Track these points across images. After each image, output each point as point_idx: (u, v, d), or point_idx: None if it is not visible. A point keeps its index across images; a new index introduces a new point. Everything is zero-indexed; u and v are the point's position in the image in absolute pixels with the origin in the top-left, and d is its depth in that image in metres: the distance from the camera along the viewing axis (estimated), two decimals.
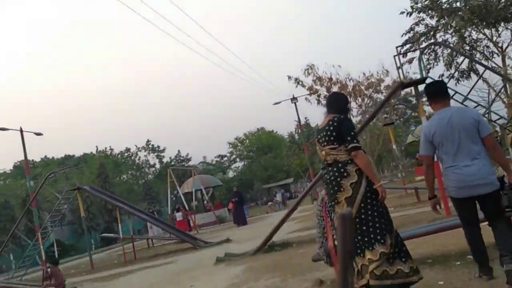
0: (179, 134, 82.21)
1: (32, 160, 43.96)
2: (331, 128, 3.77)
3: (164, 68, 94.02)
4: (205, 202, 29.05)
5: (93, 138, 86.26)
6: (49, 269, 9.85)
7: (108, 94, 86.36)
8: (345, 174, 3.67)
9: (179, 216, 23.37)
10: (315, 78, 24.71)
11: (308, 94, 25.79)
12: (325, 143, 3.79)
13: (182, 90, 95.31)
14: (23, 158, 26.26)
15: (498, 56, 22.02)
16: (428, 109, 10.91)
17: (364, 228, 3.61)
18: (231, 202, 22.41)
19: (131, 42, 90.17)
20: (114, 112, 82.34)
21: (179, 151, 51.53)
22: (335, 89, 25.05)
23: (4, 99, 72.99)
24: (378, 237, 3.57)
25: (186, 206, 24.67)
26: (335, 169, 3.72)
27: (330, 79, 24.50)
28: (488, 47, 21.42)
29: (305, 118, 42.66)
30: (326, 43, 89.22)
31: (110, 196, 15.62)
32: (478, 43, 21.32)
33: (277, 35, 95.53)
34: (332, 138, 3.74)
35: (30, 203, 17.38)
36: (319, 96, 25.57)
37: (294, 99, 27.73)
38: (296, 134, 44.76)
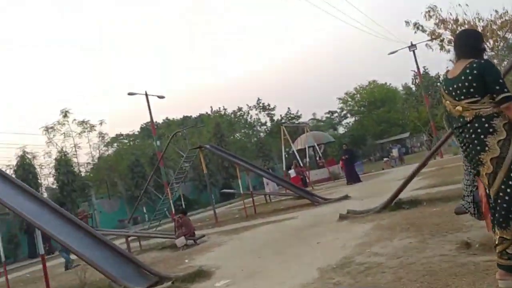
0: (288, 92, 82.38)
1: (156, 122, 47.76)
2: (470, 76, 3.11)
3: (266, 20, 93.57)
4: (317, 158, 28.87)
5: (208, 99, 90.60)
6: (180, 219, 10.62)
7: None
8: (491, 129, 3.05)
9: (292, 173, 23.56)
10: (437, 21, 22.31)
11: (429, 40, 23.50)
12: (462, 96, 3.15)
13: (288, 44, 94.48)
14: (149, 120, 28.69)
15: None
16: None
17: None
18: (341, 160, 21.75)
19: None
20: (227, 74, 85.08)
21: (289, 108, 51.62)
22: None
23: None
24: None
25: (301, 163, 24.71)
26: (476, 124, 3.10)
27: (456, 20, 21.91)
28: None
29: (424, 67, 39.46)
30: None
31: (229, 153, 16.17)
32: None
33: None
34: (472, 90, 3.10)
35: (159, 162, 18.81)
36: (442, 40, 23.16)
37: (412, 46, 25.57)
38: (413, 85, 41.68)
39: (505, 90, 3.03)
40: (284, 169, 23.73)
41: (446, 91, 3.35)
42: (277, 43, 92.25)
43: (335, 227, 7.92)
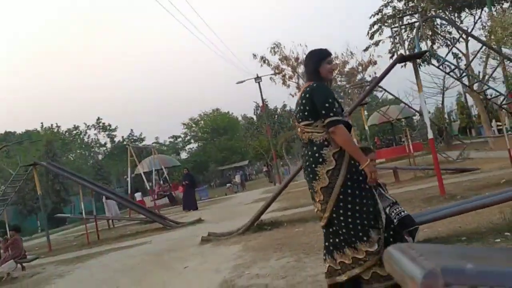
0: (131, 113, 79.36)
1: None
2: (304, 100, 3.15)
3: (118, 40, 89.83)
4: (161, 182, 28.00)
5: (36, 115, 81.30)
6: (6, 241, 8.90)
7: (51, 68, 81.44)
8: (321, 159, 3.05)
9: (138, 196, 22.28)
10: (281, 57, 24.21)
11: (273, 74, 25.28)
12: (300, 119, 3.20)
13: (136, 65, 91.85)
14: None
15: (460, 42, 22.43)
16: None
17: (343, 224, 3.05)
18: (181, 185, 20.80)
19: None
20: (60, 89, 77.81)
21: (132, 130, 49.61)
22: (301, 69, 24.74)
23: None
24: (360, 234, 3.01)
25: (161, 182, 23.59)
26: (309, 152, 3.13)
27: (297, 58, 24.10)
28: (450, 33, 21.85)
29: (264, 99, 42.22)
30: (294, 21, 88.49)
31: (70, 172, 14.40)
32: (442, 28, 21.72)
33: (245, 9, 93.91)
34: (306, 113, 3.13)
35: None
36: (284, 76, 25.15)
37: (258, 78, 27.10)
38: (254, 116, 44.27)
39: (331, 114, 2.98)
40: (129, 192, 22.23)
41: (294, 112, 3.42)
42: (122, 54, 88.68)
43: (199, 251, 7.49)
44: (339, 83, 28.72)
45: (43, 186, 31.74)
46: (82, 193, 14.37)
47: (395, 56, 23.11)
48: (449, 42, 22.54)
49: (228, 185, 33.25)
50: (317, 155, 3.04)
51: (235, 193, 28.76)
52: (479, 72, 20.58)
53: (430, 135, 7.90)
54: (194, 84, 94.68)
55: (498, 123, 23.19)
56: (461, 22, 21.01)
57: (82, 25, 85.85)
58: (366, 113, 40.27)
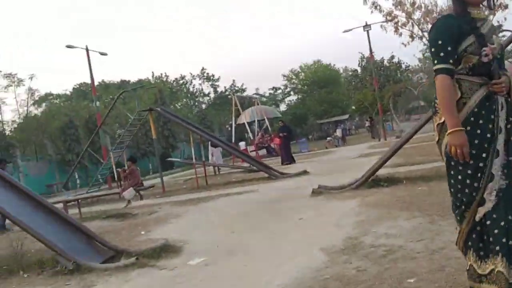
0: (234, 64, 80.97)
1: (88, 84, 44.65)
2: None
3: None
4: (262, 133, 28.30)
5: (147, 64, 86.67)
6: (125, 171, 9.48)
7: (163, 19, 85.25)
8: (434, 109, 2.52)
9: (242, 145, 22.75)
10: (395, 1, 22.23)
11: (385, 21, 23.44)
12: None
13: (234, 15, 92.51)
14: (82, 81, 26.32)
15: None
16: None
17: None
18: (278, 137, 19.68)
19: None
20: (168, 39, 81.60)
21: (234, 80, 50.52)
22: (417, 15, 22.60)
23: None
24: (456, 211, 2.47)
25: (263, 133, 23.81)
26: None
27: (413, 3, 21.97)
28: None
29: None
30: None
31: (181, 118, 14.98)
32: None
33: None
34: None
35: (102, 123, 17.11)
36: (396, 23, 23.18)
37: (367, 26, 25.45)
38: (359, 67, 42.22)
39: (435, 61, 2.38)
40: (233, 141, 22.77)
41: None
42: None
43: (311, 203, 7.27)
44: None
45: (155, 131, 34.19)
46: (191, 139, 14.91)
47: None
48: None
49: (328, 138, 32.60)
50: (433, 103, 2.53)
51: (336, 147, 28.12)
52: None
53: None
54: (295, 34, 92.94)
55: None
56: None
57: None
58: None
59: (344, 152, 20.44)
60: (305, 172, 12.44)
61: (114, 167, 14.46)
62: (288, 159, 17.38)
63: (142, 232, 7.01)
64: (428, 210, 5.13)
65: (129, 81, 52.76)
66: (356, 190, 7.60)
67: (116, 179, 14.00)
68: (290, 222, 5.99)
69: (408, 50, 79.45)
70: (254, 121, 26.21)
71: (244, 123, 25.45)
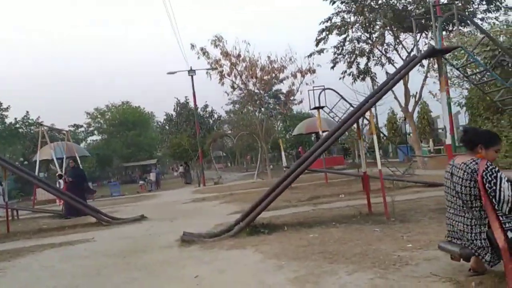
0: (27, 96, 71.00)
1: None
2: None
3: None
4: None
5: None
6: None
7: None
8: None
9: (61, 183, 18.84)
10: (222, 51, 22.78)
11: (211, 69, 23.71)
12: None
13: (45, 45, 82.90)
14: None
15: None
16: None
17: None
18: (64, 182, 14.32)
19: None
20: None
21: (27, 112, 43.68)
22: (241, 67, 23.55)
23: None
24: None
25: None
26: None
27: (238, 55, 22.86)
28: (396, 50, 22.27)
29: (185, 97, 40.14)
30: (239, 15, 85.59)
31: None
32: (388, 47, 22.12)
33: None
34: None
35: None
36: (221, 73, 23.70)
37: (191, 71, 25.31)
38: (174, 112, 41.72)
39: None
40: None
41: None
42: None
43: (188, 254, 5.83)
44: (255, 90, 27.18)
45: None
46: None
47: (335, 66, 23.24)
48: (383, 61, 23.05)
49: (141, 182, 30.58)
50: None
51: (149, 192, 26.42)
52: (416, 93, 21.23)
53: (449, 141, 7.22)
54: (104, 74, 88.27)
55: (423, 145, 24.32)
56: (401, 42, 21.54)
57: None
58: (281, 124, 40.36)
59: (167, 197, 19.07)
60: (143, 217, 10.69)
61: None
62: (71, 213, 12.31)
63: None
64: (356, 260, 4.44)
65: None
66: (234, 238, 6.51)
67: None
68: (181, 283, 4.49)
69: (221, 100, 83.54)
70: (54, 158, 22.43)
71: (54, 159, 21.49)
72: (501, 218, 3.22)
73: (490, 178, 3.23)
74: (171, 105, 58.06)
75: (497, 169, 3.31)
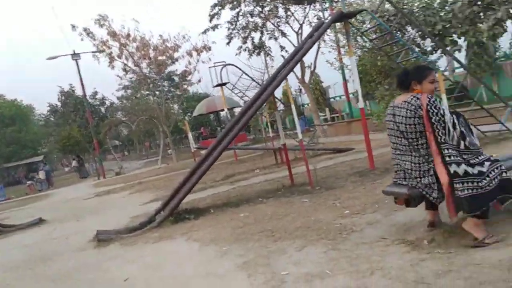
0: None
1: None
2: None
3: None
4: None
5: None
6: None
7: None
8: None
9: None
10: (109, 31, 21.10)
11: (98, 51, 21.91)
12: None
13: None
14: None
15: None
16: None
17: None
18: None
19: None
20: None
21: None
22: (132, 47, 22.14)
23: None
24: None
25: None
26: None
27: (128, 35, 21.38)
28: (288, 23, 22.54)
29: (70, 84, 36.79)
30: None
31: None
32: (280, 20, 22.32)
33: None
34: None
35: None
36: (110, 54, 22.05)
37: (75, 55, 23.07)
38: (59, 102, 37.93)
39: None
40: None
41: None
42: None
43: (110, 254, 5.15)
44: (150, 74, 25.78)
45: None
46: None
47: (231, 42, 22.94)
48: (276, 35, 23.35)
49: (29, 182, 27.60)
50: None
51: (40, 192, 24.01)
52: (310, 63, 21.82)
53: (361, 104, 7.34)
54: None
55: (321, 114, 25.32)
56: (292, 14, 21.88)
57: None
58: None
59: (64, 195, 17.35)
60: (41, 220, 9.47)
61: None
62: None
63: None
64: (294, 232, 4.24)
65: None
66: (159, 229, 5.94)
67: None
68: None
69: (111, 86, 77.93)
70: None
71: None
72: (448, 151, 3.14)
73: (435, 110, 3.14)
74: (54, 95, 53.22)
75: (439, 101, 3.27)
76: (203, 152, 18.62)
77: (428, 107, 3.15)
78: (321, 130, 20.64)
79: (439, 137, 3.15)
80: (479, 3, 11.89)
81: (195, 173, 6.75)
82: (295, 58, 7.04)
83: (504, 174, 3.18)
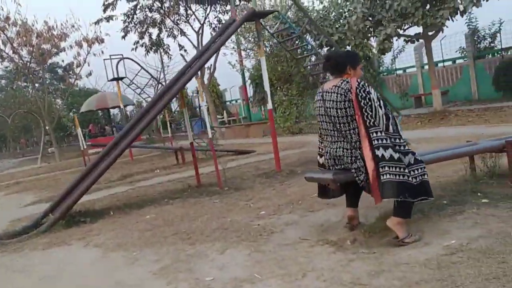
0: None
1: None
2: None
3: None
4: None
5: None
6: None
7: None
8: None
9: None
10: None
11: None
12: None
13: None
14: None
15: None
16: None
17: None
18: None
19: None
20: None
21: None
22: (12, 32, 19.79)
23: None
24: None
25: None
26: None
27: (7, 18, 19.06)
28: (188, 22, 22.08)
29: None
30: None
31: None
32: (180, 18, 21.75)
33: None
34: None
35: None
36: None
37: None
38: None
39: None
40: None
41: None
42: None
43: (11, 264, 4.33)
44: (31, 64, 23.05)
45: None
46: None
47: (127, 35, 21.75)
48: (176, 33, 22.82)
49: None
50: None
51: None
52: (210, 65, 21.59)
53: (270, 105, 7.30)
54: None
55: (219, 116, 25.23)
56: (193, 13, 21.49)
57: None
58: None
59: None
60: None
61: None
62: None
63: None
64: (212, 234, 3.99)
65: None
66: (49, 234, 5.21)
67: None
68: None
69: None
70: None
71: None
72: (376, 135, 3.13)
73: (364, 94, 3.13)
74: None
75: (368, 84, 3.27)
76: (95, 150, 17.34)
77: (357, 90, 3.14)
78: (219, 133, 20.56)
79: (367, 121, 3.14)
80: (370, 18, 12.82)
81: (92, 172, 6.08)
82: (207, 53, 6.77)
83: (426, 176, 3.27)
